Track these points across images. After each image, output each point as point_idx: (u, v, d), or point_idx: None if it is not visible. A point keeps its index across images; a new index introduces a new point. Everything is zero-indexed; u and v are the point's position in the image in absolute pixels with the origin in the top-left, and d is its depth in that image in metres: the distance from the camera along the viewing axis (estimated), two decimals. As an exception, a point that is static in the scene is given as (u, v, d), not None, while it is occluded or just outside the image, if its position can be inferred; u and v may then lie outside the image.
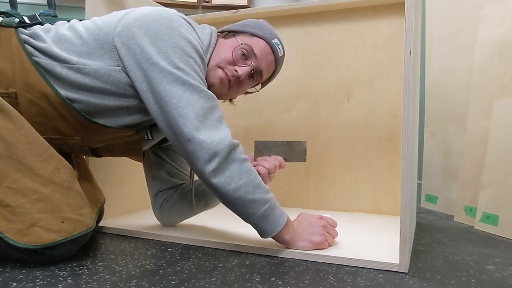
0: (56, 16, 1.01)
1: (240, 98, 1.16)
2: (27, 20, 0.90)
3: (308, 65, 1.44)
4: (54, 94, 0.84)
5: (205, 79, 0.91)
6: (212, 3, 2.82)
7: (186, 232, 1.04)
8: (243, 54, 0.95)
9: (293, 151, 1.04)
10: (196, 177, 1.14)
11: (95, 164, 1.14)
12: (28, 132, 0.81)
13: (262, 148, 1.02)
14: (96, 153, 1.01)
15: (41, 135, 0.84)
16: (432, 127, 1.60)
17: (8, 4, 1.58)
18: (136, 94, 0.88)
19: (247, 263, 0.83)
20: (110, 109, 0.89)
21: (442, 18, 1.55)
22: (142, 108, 0.90)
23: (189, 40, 0.86)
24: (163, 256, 0.88)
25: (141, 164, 1.17)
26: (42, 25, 0.91)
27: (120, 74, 0.86)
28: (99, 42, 0.86)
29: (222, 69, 0.94)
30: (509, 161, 1.13)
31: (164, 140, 1.11)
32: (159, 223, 1.13)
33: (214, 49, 0.96)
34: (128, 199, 1.30)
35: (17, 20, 0.88)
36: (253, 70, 0.97)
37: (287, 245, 0.89)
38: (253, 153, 1.03)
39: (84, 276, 0.75)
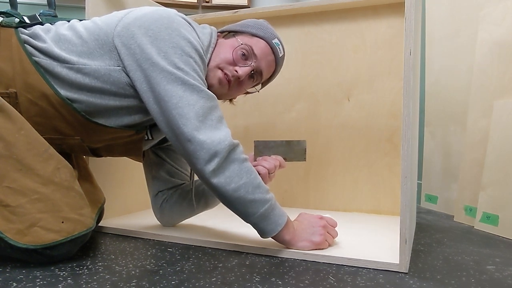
0: (56, 16, 1.01)
1: (240, 98, 1.16)
2: (27, 20, 0.90)
3: (308, 65, 1.44)
4: (54, 94, 0.84)
5: (205, 79, 0.91)
6: (212, 3, 2.82)
7: (186, 232, 1.04)
8: (243, 55, 0.95)
9: (292, 150, 1.04)
10: (196, 177, 1.14)
11: (95, 164, 1.14)
12: (28, 132, 0.82)
13: (262, 148, 1.02)
14: (96, 153, 1.01)
15: (41, 135, 0.84)
16: (432, 127, 1.60)
17: (8, 4, 1.58)
18: (136, 94, 0.88)
19: (247, 263, 0.84)
20: (110, 109, 0.89)
21: (442, 18, 1.55)
22: (142, 108, 0.90)
23: (189, 40, 0.86)
24: (163, 256, 0.88)
25: (141, 164, 1.17)
26: (42, 25, 0.91)
27: (120, 74, 0.86)
28: (99, 42, 0.86)
29: (222, 70, 0.94)
30: (509, 161, 1.13)
31: (164, 140, 1.11)
32: (159, 223, 1.13)
33: (214, 49, 0.96)
34: (128, 199, 1.30)
35: (17, 20, 0.88)
36: (253, 70, 0.97)
37: (287, 245, 0.89)
38: (253, 153, 1.03)
39: (84, 276, 0.75)
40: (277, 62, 1.02)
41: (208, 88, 0.89)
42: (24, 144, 0.80)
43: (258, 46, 0.97)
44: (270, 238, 0.88)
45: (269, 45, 0.98)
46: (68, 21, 0.94)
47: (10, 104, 0.82)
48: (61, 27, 0.90)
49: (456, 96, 1.46)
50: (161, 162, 1.11)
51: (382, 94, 1.35)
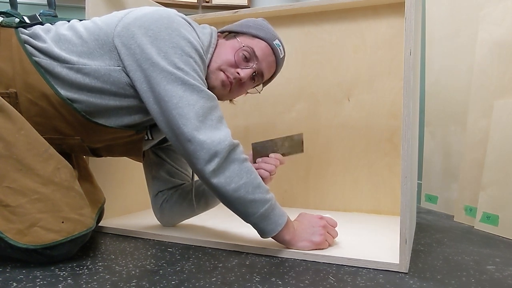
0: (56, 16, 1.01)
1: (240, 98, 1.15)
2: (27, 20, 0.90)
3: (308, 65, 1.44)
4: (54, 94, 0.84)
5: (207, 81, 0.91)
6: (212, 3, 2.82)
7: (186, 232, 1.04)
8: (245, 57, 0.95)
9: (290, 145, 1.04)
10: (196, 177, 1.14)
11: (95, 164, 1.14)
12: (28, 132, 0.82)
13: (260, 149, 1.02)
14: (96, 153, 1.01)
15: (41, 135, 0.84)
16: (432, 127, 1.60)
17: (8, 4, 1.58)
18: (136, 94, 0.88)
19: (247, 263, 0.84)
20: (110, 109, 0.89)
21: (442, 18, 1.55)
22: (142, 108, 0.90)
23: (189, 40, 0.86)
24: (163, 256, 0.88)
25: (141, 164, 1.17)
26: (42, 25, 0.91)
27: (120, 74, 0.86)
28: (99, 42, 0.86)
29: (224, 72, 0.94)
30: (509, 161, 1.13)
31: (164, 140, 1.11)
32: (159, 223, 1.13)
33: (215, 49, 0.96)
34: (128, 199, 1.30)
35: (17, 20, 0.88)
36: (254, 72, 0.97)
37: (287, 245, 0.89)
38: (251, 155, 1.03)
39: (84, 276, 0.75)
40: (277, 63, 1.02)
41: (209, 90, 0.89)
42: (24, 144, 0.80)
43: (259, 47, 0.97)
44: (270, 238, 0.88)
45: (270, 46, 0.98)
46: (68, 21, 0.94)
47: (10, 104, 0.82)
48: (61, 27, 0.90)
49: (456, 96, 1.46)
50: (161, 162, 1.11)
51: (382, 94, 1.35)
